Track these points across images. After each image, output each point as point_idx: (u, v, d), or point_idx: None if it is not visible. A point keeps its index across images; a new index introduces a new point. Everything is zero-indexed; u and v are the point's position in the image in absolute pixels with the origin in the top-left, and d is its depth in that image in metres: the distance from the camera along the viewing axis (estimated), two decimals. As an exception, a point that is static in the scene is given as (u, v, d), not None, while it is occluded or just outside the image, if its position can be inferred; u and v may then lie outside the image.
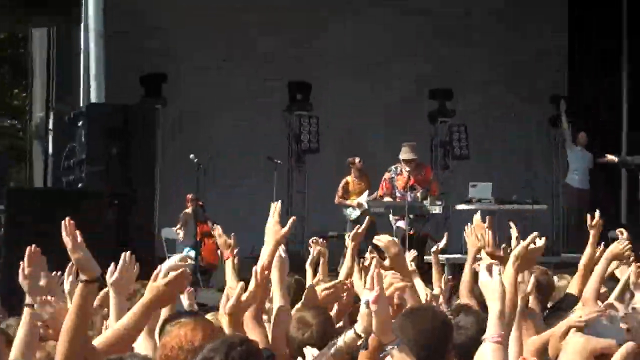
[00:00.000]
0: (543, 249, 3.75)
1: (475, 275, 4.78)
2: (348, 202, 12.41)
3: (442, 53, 16.38)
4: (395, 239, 3.59)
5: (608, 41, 16.31)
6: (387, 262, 3.94)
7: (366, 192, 12.19)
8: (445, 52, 16.39)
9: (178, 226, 12.82)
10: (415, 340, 3.25)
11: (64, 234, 3.37)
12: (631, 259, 5.68)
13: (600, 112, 16.44)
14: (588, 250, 5.71)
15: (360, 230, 5.73)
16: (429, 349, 3.23)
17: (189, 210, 12.82)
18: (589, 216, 5.90)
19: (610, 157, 12.09)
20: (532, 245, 3.72)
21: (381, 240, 3.79)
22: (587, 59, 16.76)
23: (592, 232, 5.77)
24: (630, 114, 16.18)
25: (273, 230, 4.07)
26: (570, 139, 14.35)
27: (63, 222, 3.39)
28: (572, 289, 5.62)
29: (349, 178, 12.60)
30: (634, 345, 2.10)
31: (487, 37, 16.71)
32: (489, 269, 3.04)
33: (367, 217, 7.45)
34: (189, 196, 12.61)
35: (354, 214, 12.24)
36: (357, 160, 12.61)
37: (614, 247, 5.61)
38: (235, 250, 5.12)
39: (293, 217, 3.89)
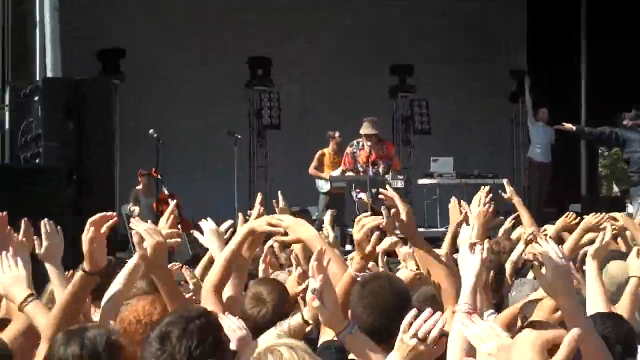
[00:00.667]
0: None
1: (453, 249, 4.79)
2: (321, 174, 12.29)
3: (402, 29, 16.38)
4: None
5: (567, 15, 16.41)
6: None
7: (339, 169, 12.13)
8: (405, 27, 16.39)
9: (130, 204, 12.71)
10: (373, 308, 3.23)
11: (89, 222, 3.30)
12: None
13: (559, 88, 16.54)
14: (524, 216, 5.99)
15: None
16: (386, 316, 3.21)
17: (139, 186, 12.72)
18: (505, 182, 6.20)
19: (568, 125, 12.11)
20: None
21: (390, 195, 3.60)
22: (546, 33, 16.85)
23: (515, 201, 6.07)
24: (589, 90, 16.29)
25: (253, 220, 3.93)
26: (532, 115, 14.41)
27: (94, 218, 3.33)
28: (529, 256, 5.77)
29: (326, 150, 12.45)
30: (579, 331, 2.12)
31: (448, 14, 16.75)
32: (472, 247, 3.04)
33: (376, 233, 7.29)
34: (140, 171, 12.51)
35: (325, 186, 12.16)
36: (337, 134, 12.46)
37: (590, 218, 5.73)
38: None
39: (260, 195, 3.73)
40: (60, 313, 3.23)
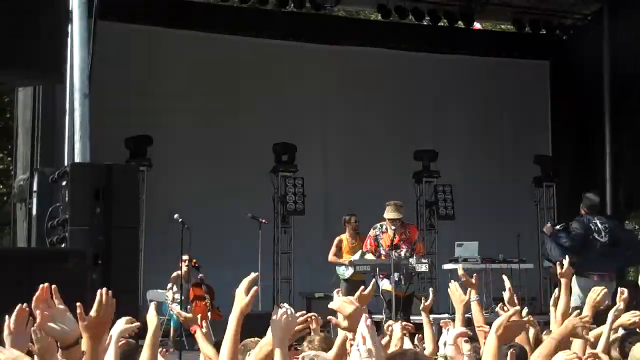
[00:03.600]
0: (525, 322, 3.66)
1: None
2: (341, 260, 12.29)
3: (426, 114, 16.60)
4: (351, 298, 3.39)
5: (589, 95, 16.57)
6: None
7: (360, 252, 12.12)
8: (429, 113, 16.61)
9: (169, 286, 12.69)
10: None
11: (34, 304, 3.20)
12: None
13: (583, 170, 16.61)
14: (562, 299, 5.65)
15: (365, 292, 5.60)
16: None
17: (180, 271, 12.74)
18: (557, 265, 5.89)
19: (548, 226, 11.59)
20: (515, 318, 3.59)
21: (334, 302, 3.56)
22: (570, 118, 17.00)
23: (563, 280, 5.72)
24: (613, 172, 16.30)
25: (238, 298, 3.81)
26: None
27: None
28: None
29: (344, 236, 12.47)
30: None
31: (471, 100, 17.01)
32: (456, 341, 3.01)
33: (373, 280, 7.33)
34: (183, 257, 12.53)
35: (347, 272, 12.11)
36: (352, 219, 12.51)
37: (626, 315, 5.42)
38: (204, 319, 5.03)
39: (255, 288, 3.56)
40: None
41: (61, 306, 3.18)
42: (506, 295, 5.36)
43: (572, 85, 16.87)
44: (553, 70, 17.64)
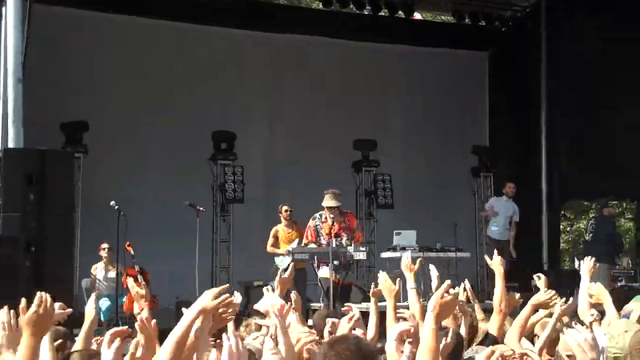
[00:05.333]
0: (457, 297, 3.69)
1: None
2: (278, 250, 12.28)
3: (366, 103, 16.66)
4: (272, 296, 3.36)
5: (526, 87, 16.80)
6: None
7: (296, 241, 12.10)
8: (369, 103, 16.67)
9: (93, 275, 12.59)
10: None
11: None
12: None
13: (519, 160, 16.84)
14: (497, 289, 5.83)
15: (286, 275, 5.64)
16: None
17: (103, 260, 12.63)
18: (486, 257, 6.12)
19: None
20: (446, 295, 3.62)
21: (262, 304, 3.51)
22: (507, 109, 17.21)
23: (496, 271, 5.87)
24: (549, 162, 16.56)
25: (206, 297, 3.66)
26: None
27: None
28: (492, 329, 5.71)
29: (279, 226, 12.47)
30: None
31: (411, 91, 17.12)
32: (398, 338, 3.05)
33: (292, 263, 7.32)
34: (102, 245, 12.44)
35: (285, 262, 12.08)
36: (284, 208, 12.50)
37: (540, 295, 5.67)
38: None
39: (226, 295, 3.46)
40: None
41: None
42: (434, 284, 5.44)
43: (510, 77, 17.07)
44: (492, 61, 17.82)
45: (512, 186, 14.81)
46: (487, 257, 6.15)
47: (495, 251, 6.27)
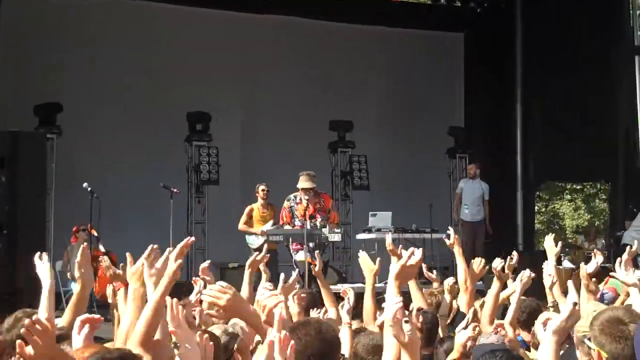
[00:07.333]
0: (420, 260, 3.71)
1: (378, 302, 4.75)
2: (252, 229, 12.23)
3: (342, 84, 16.62)
4: (224, 284, 3.31)
5: (502, 68, 16.81)
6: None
7: (271, 222, 12.06)
8: (345, 84, 16.63)
9: (64, 260, 12.43)
10: (297, 353, 3.17)
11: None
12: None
13: (495, 142, 16.87)
14: (459, 268, 6.19)
15: (258, 258, 5.63)
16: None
17: (74, 242, 12.49)
18: (444, 237, 6.50)
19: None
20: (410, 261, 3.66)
21: (208, 294, 3.43)
22: (483, 90, 17.22)
23: (455, 252, 6.17)
24: (524, 143, 16.59)
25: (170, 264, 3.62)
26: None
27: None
28: (462, 306, 6.11)
29: (255, 205, 12.40)
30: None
31: (388, 71, 17.09)
32: (396, 318, 3.08)
33: (266, 245, 7.32)
34: (75, 228, 12.30)
35: (256, 242, 12.05)
36: (261, 187, 12.45)
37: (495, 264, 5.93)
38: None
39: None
40: None
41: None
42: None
43: (486, 58, 17.07)
44: (467, 42, 17.81)
45: (472, 167, 14.88)
46: (445, 239, 6.43)
47: (452, 231, 6.51)
